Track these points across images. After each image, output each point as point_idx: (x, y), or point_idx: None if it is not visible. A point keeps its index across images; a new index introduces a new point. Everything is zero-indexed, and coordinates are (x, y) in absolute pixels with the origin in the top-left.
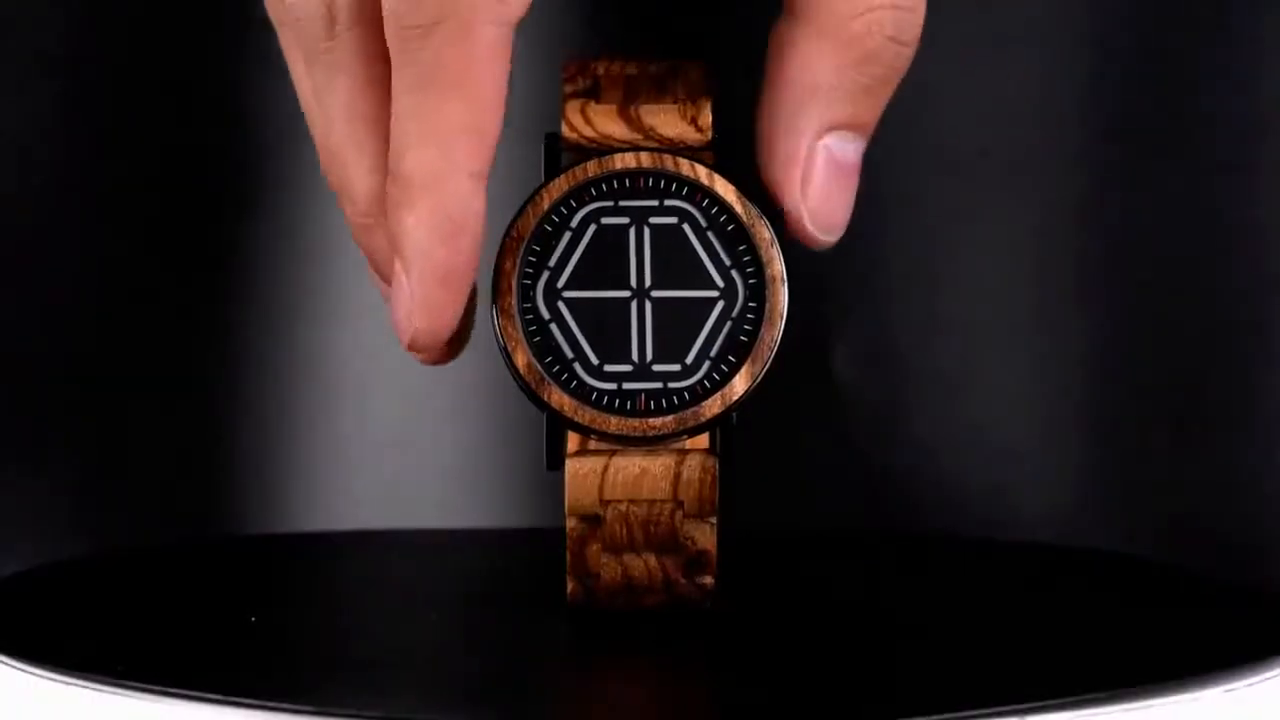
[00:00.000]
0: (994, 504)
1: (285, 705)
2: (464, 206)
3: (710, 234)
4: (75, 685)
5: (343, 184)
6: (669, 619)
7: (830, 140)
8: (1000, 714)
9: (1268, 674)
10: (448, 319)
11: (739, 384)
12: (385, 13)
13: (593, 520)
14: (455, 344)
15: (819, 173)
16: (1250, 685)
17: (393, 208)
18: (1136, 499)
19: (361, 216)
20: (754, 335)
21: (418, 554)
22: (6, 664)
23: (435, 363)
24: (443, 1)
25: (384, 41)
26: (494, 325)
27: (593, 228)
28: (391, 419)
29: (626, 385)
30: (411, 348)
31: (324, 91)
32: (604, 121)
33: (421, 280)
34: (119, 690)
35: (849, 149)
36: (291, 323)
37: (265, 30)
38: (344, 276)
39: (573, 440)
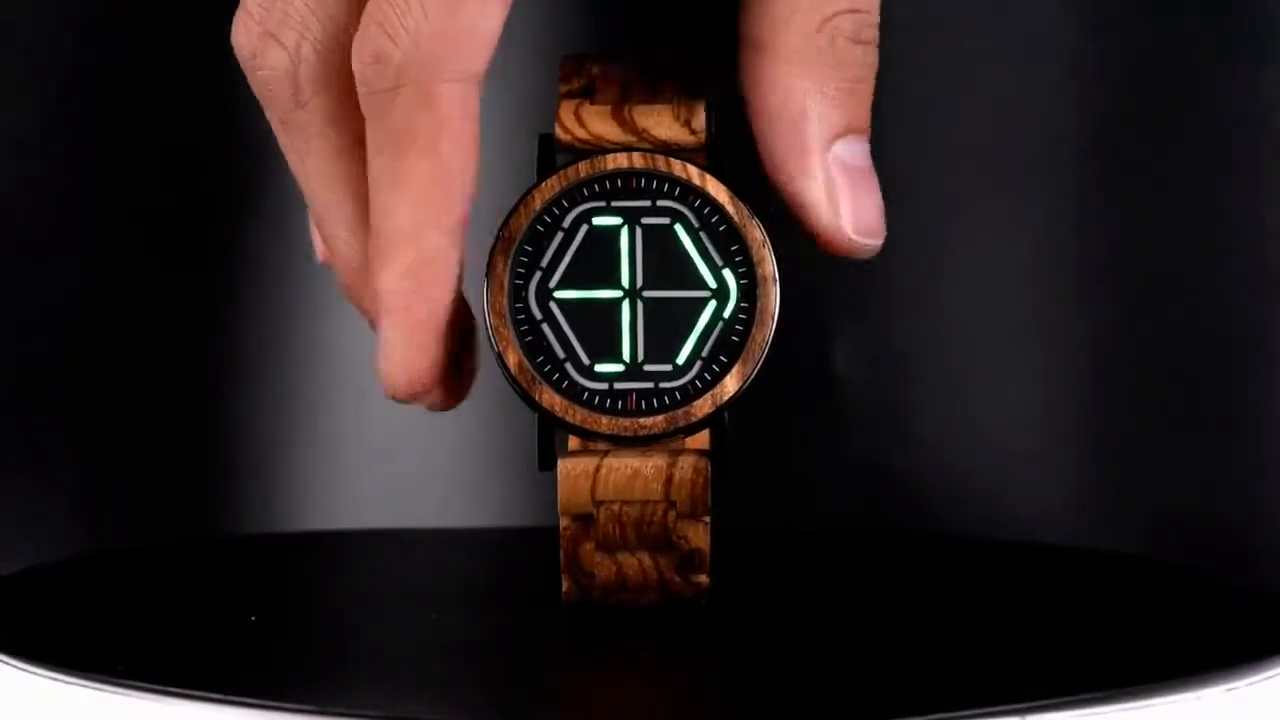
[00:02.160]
0: (994, 504)
1: (285, 705)
2: (436, 261)
3: (702, 234)
4: (75, 685)
5: (328, 243)
6: (665, 617)
7: (839, 150)
8: (1000, 714)
9: (1269, 673)
10: (424, 369)
11: (730, 384)
12: (356, 79)
13: (586, 520)
14: (455, 389)
15: (841, 185)
16: (1251, 684)
17: (372, 262)
18: (1136, 499)
19: (347, 274)
20: (745, 335)
21: (418, 554)
22: (6, 664)
23: (439, 408)
24: (404, 65)
25: (356, 105)
26: (486, 325)
27: (585, 228)
28: (391, 419)
29: (618, 385)
30: (393, 397)
31: (301, 155)
32: (597, 123)
33: (395, 331)
34: (119, 690)
35: (857, 151)
36: (291, 322)
37: None
38: None
39: (573, 440)
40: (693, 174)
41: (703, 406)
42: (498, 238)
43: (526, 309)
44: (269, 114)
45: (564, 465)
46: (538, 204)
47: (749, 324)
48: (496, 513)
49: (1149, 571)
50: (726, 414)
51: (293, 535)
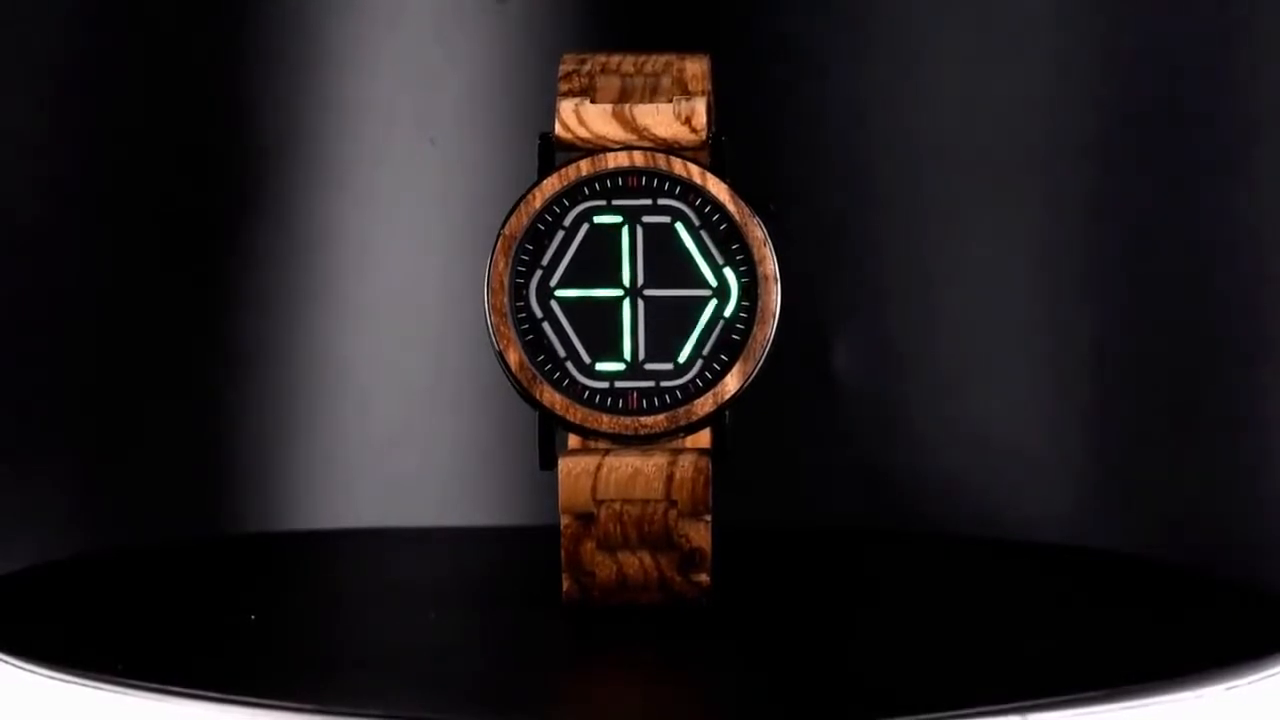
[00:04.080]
0: (994, 503)
1: (285, 705)
2: None
3: (703, 233)
4: (75, 685)
5: None
6: (666, 617)
7: None
8: (1000, 714)
9: (1269, 672)
10: None
11: (731, 383)
12: None
13: (586, 519)
14: None
15: None
16: (1252, 683)
17: None
18: (1136, 499)
19: None
20: (746, 334)
21: (418, 553)
22: (6, 664)
23: None
24: None
25: None
26: (487, 324)
27: (585, 226)
28: (391, 418)
29: (619, 384)
30: None
31: None
32: (597, 121)
33: None
34: (119, 690)
35: None
36: (291, 323)
37: (265, 29)
38: (344, 276)
39: (574, 439)
40: (693, 172)
41: (704, 405)
42: (498, 237)
43: (527, 308)
44: None
45: (564, 464)
46: (538, 203)
47: (750, 323)
48: (496, 512)
49: (1149, 571)
50: (727, 413)
51: (293, 535)
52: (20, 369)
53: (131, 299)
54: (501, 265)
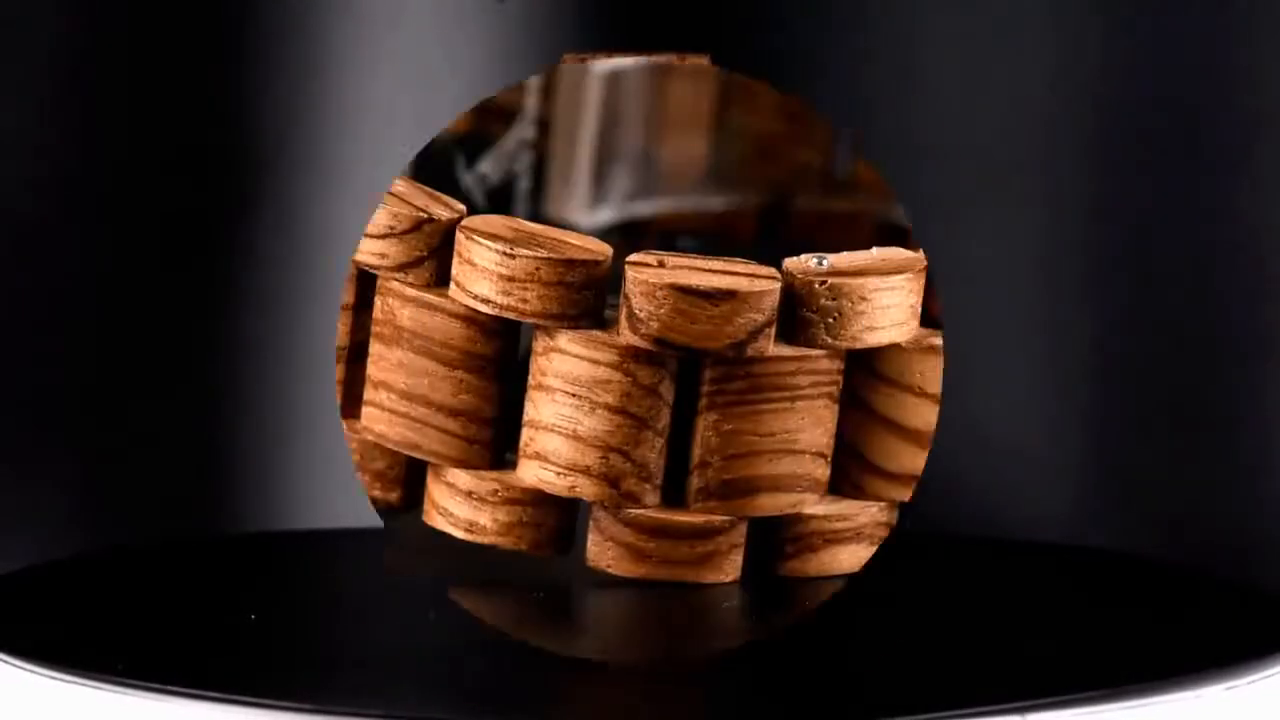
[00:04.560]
0: (994, 503)
1: (285, 705)
2: None
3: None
4: (75, 685)
5: None
6: None
7: None
8: (1000, 714)
9: (1268, 672)
10: None
11: None
12: None
13: None
14: None
15: None
16: (1251, 683)
17: None
18: (1137, 498)
19: None
20: None
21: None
22: (7, 664)
23: None
24: None
25: None
26: None
27: None
28: None
29: None
30: None
31: None
32: None
33: None
34: (119, 690)
35: None
36: (291, 322)
37: (265, 30)
38: (345, 276)
39: None
40: None
41: None
42: None
43: None
44: None
45: None
46: None
47: None
48: None
49: (1149, 571)
50: None
51: (293, 535)
52: (20, 369)
53: (131, 299)
54: None
